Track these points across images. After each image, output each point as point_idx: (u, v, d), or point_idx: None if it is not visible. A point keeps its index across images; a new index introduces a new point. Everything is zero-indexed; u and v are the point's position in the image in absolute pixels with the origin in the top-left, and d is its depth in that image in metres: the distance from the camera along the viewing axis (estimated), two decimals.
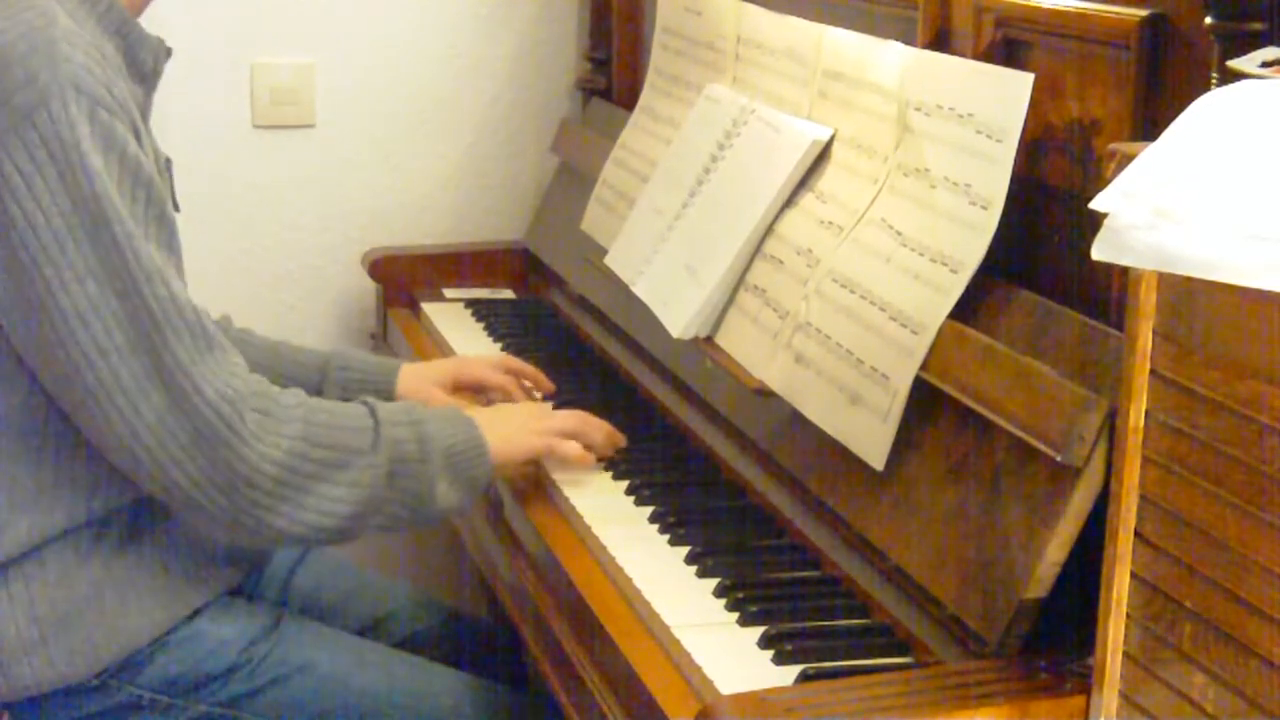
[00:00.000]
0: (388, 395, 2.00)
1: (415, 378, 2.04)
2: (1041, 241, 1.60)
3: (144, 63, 1.70)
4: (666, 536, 1.71)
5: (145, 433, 1.55)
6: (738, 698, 1.31)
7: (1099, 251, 1.07)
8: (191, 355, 1.56)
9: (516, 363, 2.13)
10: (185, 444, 1.56)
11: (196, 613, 1.73)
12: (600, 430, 1.88)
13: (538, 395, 2.12)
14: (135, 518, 1.68)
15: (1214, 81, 1.29)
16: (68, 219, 1.52)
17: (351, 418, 1.68)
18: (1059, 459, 1.33)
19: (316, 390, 1.99)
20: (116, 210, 1.53)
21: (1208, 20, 1.31)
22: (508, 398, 2.08)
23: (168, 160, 1.79)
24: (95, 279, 1.53)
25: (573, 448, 1.83)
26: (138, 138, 1.59)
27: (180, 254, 1.65)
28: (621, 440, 1.91)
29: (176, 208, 1.80)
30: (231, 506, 1.59)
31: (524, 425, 1.84)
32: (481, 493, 1.79)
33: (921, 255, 1.60)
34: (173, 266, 1.60)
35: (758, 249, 1.88)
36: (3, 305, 1.57)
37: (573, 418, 1.88)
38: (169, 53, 1.75)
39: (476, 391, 2.08)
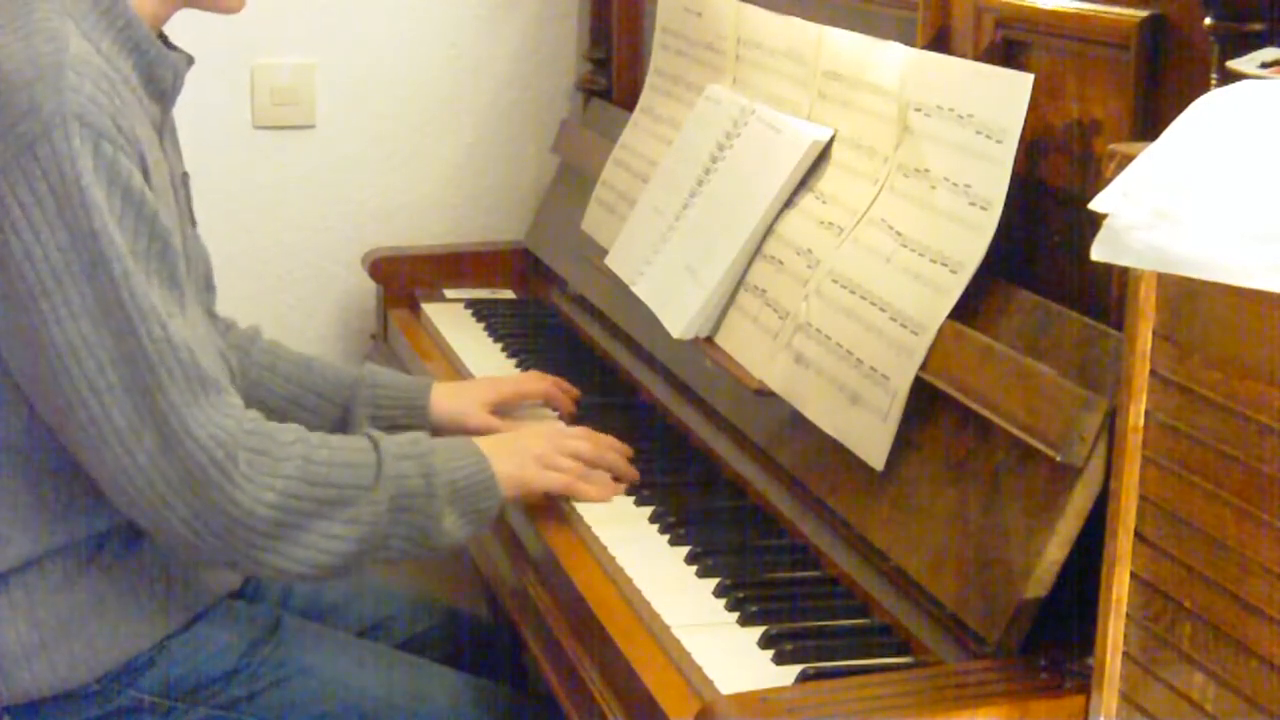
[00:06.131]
0: (420, 414, 1.98)
1: (452, 397, 2.00)
2: (1041, 241, 1.60)
3: (162, 79, 1.67)
4: (666, 536, 1.71)
5: (137, 474, 1.53)
6: (738, 697, 1.31)
7: (1099, 251, 1.07)
8: (185, 398, 1.53)
9: (544, 376, 2.11)
10: (177, 486, 1.54)
11: (197, 617, 1.73)
12: (613, 449, 1.84)
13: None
14: (136, 526, 1.68)
15: (1214, 81, 1.29)
16: (65, 254, 1.49)
17: (353, 453, 1.65)
18: (1059, 459, 1.33)
19: (345, 408, 1.97)
20: (115, 247, 1.50)
21: (1208, 20, 1.31)
22: (550, 404, 2.07)
23: (184, 175, 1.77)
24: (90, 316, 1.50)
25: (592, 491, 1.79)
26: (145, 169, 1.56)
27: (184, 285, 1.61)
28: (634, 474, 1.85)
29: (193, 222, 1.79)
30: (226, 548, 1.57)
31: (538, 456, 1.77)
32: (491, 523, 1.76)
33: (921, 255, 1.60)
34: (176, 303, 1.57)
35: (758, 249, 1.87)
36: (1, 335, 1.56)
37: (585, 441, 1.82)
38: (190, 62, 1.72)
39: (517, 405, 2.05)
